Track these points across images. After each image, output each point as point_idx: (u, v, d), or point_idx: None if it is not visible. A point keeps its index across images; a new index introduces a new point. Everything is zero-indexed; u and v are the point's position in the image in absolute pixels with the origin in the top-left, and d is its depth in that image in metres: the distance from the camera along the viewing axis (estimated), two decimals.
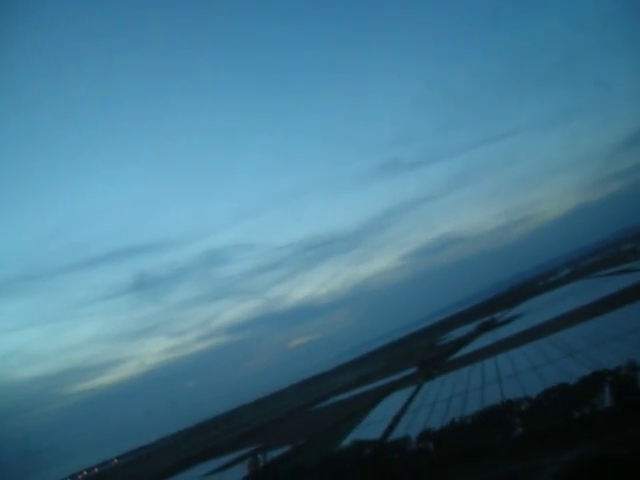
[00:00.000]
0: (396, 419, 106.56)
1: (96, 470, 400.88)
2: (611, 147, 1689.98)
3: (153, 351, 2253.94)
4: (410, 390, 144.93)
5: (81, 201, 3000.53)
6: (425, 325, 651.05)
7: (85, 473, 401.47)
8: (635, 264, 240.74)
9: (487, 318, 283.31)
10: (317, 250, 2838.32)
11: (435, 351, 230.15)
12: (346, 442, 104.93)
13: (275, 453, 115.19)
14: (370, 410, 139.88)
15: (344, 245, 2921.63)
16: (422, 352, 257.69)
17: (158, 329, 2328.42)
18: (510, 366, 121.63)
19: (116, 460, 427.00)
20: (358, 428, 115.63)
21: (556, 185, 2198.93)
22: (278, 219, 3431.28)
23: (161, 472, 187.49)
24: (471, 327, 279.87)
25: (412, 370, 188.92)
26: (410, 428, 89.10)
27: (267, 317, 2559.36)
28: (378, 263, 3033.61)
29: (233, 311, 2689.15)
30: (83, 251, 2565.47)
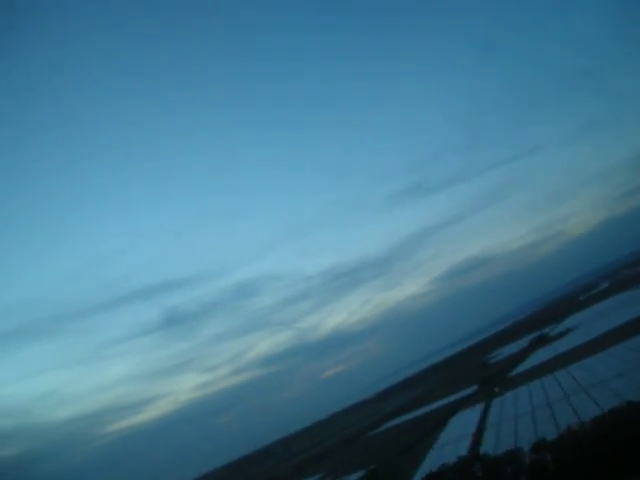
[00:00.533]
0: (477, 435, 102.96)
1: None
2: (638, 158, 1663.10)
3: (186, 387, 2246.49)
4: (478, 408, 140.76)
5: (112, 238, 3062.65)
6: (464, 346, 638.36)
7: None
8: None
9: (537, 333, 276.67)
10: (346, 278, 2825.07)
11: (490, 369, 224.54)
12: (426, 464, 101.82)
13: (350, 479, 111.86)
14: (439, 430, 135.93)
15: (373, 272, 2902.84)
16: (475, 371, 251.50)
17: (190, 365, 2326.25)
18: (576, 380, 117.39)
19: None
20: (435, 449, 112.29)
21: (584, 199, 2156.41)
22: (306, 248, 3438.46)
23: None
24: (521, 343, 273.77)
25: (471, 389, 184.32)
26: (499, 443, 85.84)
27: (299, 348, 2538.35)
28: (408, 288, 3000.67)
29: (265, 343, 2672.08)
30: (113, 289, 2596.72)
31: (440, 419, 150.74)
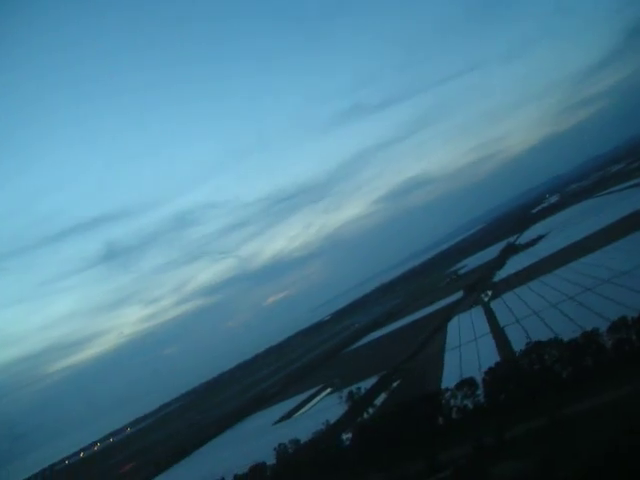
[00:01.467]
0: (499, 333, 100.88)
1: (112, 439, 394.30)
2: (576, 75, 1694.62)
3: (130, 321, 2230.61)
4: (477, 311, 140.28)
5: (45, 170, 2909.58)
6: (417, 262, 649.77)
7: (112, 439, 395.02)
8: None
9: (504, 243, 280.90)
10: (286, 203, 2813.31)
11: (467, 277, 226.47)
12: (448, 365, 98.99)
13: (361, 386, 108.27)
14: (439, 335, 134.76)
15: (313, 195, 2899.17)
16: (450, 281, 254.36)
17: (133, 298, 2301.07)
18: (569, 283, 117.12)
19: (129, 428, 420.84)
20: (448, 351, 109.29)
21: (523, 117, 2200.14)
22: (243, 175, 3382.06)
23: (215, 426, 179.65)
24: (490, 252, 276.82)
25: (455, 296, 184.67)
26: (536, 334, 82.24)
27: (241, 276, 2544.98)
28: (349, 210, 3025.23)
29: (207, 273, 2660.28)
30: (50, 223, 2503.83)
31: (434, 325, 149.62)
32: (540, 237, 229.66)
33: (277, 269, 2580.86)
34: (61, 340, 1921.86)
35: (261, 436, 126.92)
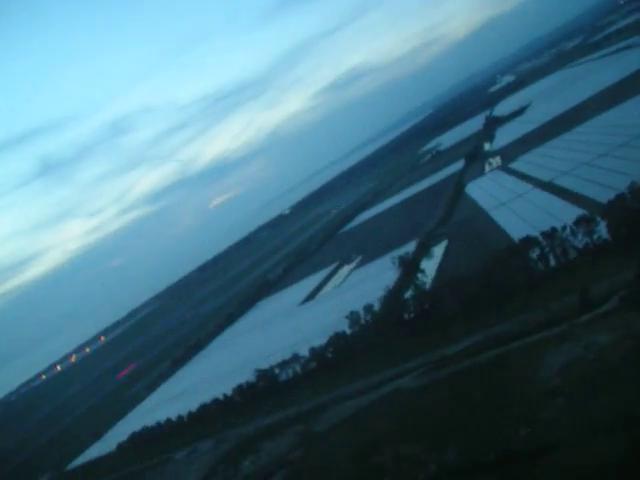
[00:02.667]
0: (552, 186, 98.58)
1: (87, 350, 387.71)
2: None
3: (73, 235, 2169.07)
4: (496, 175, 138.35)
5: None
6: (377, 146, 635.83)
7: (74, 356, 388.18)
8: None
9: (486, 114, 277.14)
10: (225, 102, 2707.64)
11: (453, 152, 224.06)
12: (506, 222, 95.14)
13: (407, 251, 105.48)
14: (460, 202, 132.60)
15: (252, 92, 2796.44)
16: (431, 157, 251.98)
17: (74, 211, 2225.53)
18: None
19: (102, 337, 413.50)
20: (495, 210, 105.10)
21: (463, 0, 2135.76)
22: (179, 76, 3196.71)
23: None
24: (470, 126, 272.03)
25: (454, 167, 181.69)
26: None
27: (183, 180, 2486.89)
28: (290, 105, 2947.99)
29: (148, 180, 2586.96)
30: None
31: (448, 194, 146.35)
32: (523, 108, 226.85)
33: (220, 171, 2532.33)
34: (2, 262, 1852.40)
35: (291, 316, 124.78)
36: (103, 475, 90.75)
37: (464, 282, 69.63)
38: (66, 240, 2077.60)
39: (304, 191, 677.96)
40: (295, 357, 77.37)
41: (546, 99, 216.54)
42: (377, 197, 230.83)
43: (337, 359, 73.37)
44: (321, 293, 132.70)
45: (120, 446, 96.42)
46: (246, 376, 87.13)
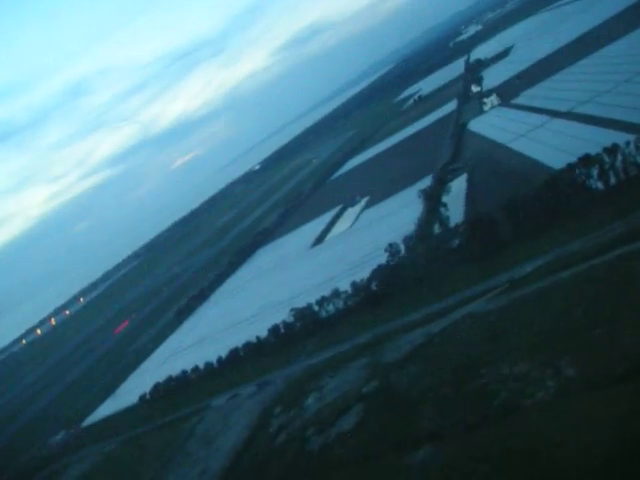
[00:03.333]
0: (576, 116, 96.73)
1: (67, 312, 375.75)
2: None
3: (35, 202, 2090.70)
4: (500, 111, 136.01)
5: None
6: (348, 96, 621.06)
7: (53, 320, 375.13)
8: None
9: (461, 63, 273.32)
10: (184, 60, 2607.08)
11: (437, 96, 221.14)
12: (533, 150, 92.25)
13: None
14: (465, 138, 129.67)
15: (210, 50, 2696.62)
16: (414, 103, 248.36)
17: (34, 178, 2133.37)
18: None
19: (81, 299, 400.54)
20: (515, 142, 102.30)
21: None
22: (135, 35, 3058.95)
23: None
24: (451, 72, 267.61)
25: (449, 106, 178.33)
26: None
27: (145, 141, 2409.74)
28: (249, 63, 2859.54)
29: (109, 143, 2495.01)
30: None
31: (449, 132, 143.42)
32: (507, 49, 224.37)
33: (182, 131, 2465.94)
34: None
35: (305, 259, 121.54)
36: (128, 428, 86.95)
37: (516, 206, 67.11)
38: (28, 207, 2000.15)
39: (272, 147, 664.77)
40: (335, 293, 74.55)
41: (530, 41, 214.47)
42: (365, 143, 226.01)
43: (382, 292, 70.98)
44: (330, 235, 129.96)
45: (142, 398, 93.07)
46: (268, 320, 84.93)
